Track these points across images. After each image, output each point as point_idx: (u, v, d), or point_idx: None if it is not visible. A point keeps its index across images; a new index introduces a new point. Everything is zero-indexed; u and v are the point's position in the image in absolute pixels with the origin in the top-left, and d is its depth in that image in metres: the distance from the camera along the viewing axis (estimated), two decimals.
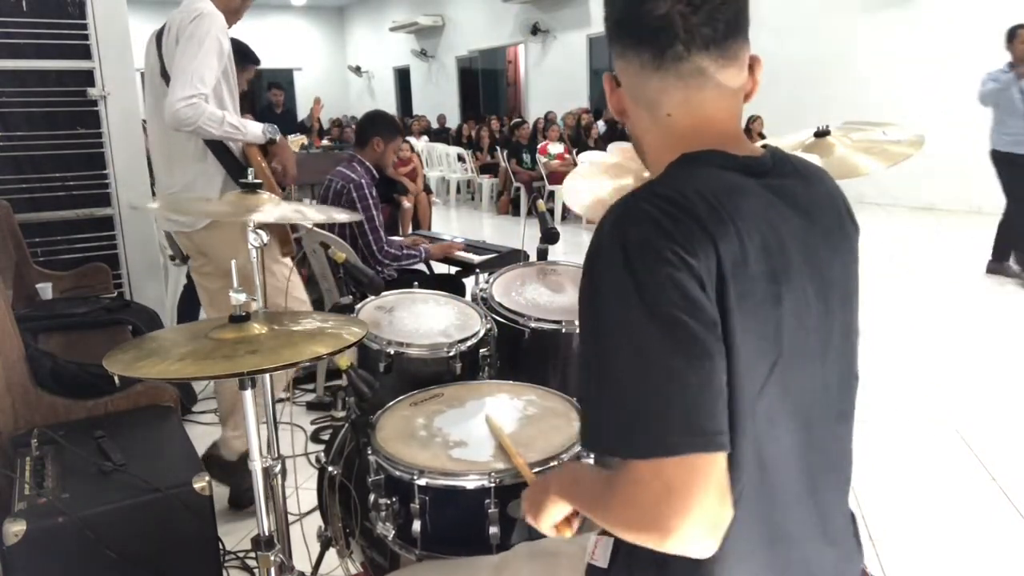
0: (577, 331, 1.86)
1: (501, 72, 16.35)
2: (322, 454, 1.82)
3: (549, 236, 2.26)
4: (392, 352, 1.76)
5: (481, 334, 1.85)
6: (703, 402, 0.76)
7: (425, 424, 1.53)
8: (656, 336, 0.77)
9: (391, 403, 1.62)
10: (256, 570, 2.01)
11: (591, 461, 1.40)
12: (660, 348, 0.76)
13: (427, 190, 8.00)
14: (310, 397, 3.58)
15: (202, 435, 2.95)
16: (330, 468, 1.69)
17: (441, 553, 1.36)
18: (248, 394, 1.34)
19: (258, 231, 1.60)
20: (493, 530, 1.33)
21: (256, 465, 1.40)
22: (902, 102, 8.67)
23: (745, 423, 0.81)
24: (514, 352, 1.91)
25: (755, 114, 8.79)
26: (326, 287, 3.46)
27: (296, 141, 6.31)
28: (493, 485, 1.33)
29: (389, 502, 1.40)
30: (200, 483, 1.68)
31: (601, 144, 9.46)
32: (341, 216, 1.83)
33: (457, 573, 1.26)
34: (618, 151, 2.16)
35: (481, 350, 1.84)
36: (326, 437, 3.07)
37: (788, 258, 0.85)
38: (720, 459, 0.77)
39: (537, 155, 9.46)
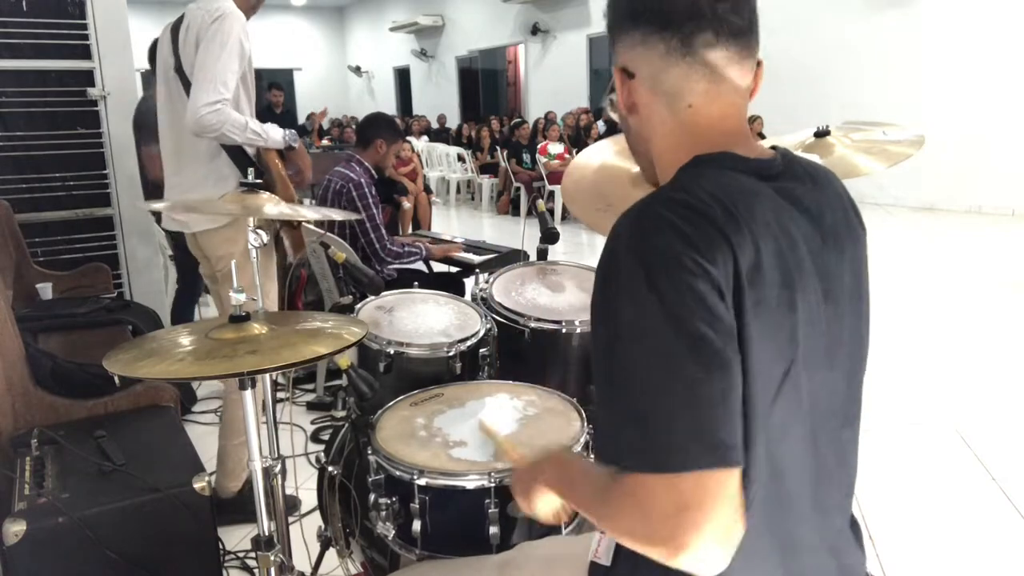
0: (577, 331, 1.86)
1: (501, 72, 16.35)
2: (322, 454, 1.82)
3: (549, 236, 2.25)
4: (392, 352, 1.76)
5: (481, 334, 1.85)
6: (721, 416, 0.75)
7: (425, 424, 1.53)
8: (679, 350, 0.75)
9: (391, 403, 1.62)
10: (256, 570, 2.01)
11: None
12: (682, 362, 0.74)
13: (427, 190, 8.01)
14: (310, 397, 3.57)
15: (202, 435, 2.96)
16: (330, 468, 1.69)
17: (441, 553, 1.36)
18: (248, 394, 1.34)
19: (258, 231, 1.59)
20: (493, 530, 1.33)
21: (256, 465, 1.40)
22: (902, 102, 8.67)
23: (759, 432, 0.80)
24: (514, 352, 1.91)
25: (755, 114, 8.79)
26: (326, 287, 3.46)
27: None
28: (493, 485, 1.33)
29: (389, 502, 1.40)
30: (200, 483, 1.68)
31: None
32: (341, 216, 1.83)
33: (457, 573, 1.25)
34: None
35: (481, 350, 1.84)
36: (326, 437, 3.07)
37: (800, 263, 0.84)
38: (735, 474, 0.75)
39: (537, 155, 9.46)
